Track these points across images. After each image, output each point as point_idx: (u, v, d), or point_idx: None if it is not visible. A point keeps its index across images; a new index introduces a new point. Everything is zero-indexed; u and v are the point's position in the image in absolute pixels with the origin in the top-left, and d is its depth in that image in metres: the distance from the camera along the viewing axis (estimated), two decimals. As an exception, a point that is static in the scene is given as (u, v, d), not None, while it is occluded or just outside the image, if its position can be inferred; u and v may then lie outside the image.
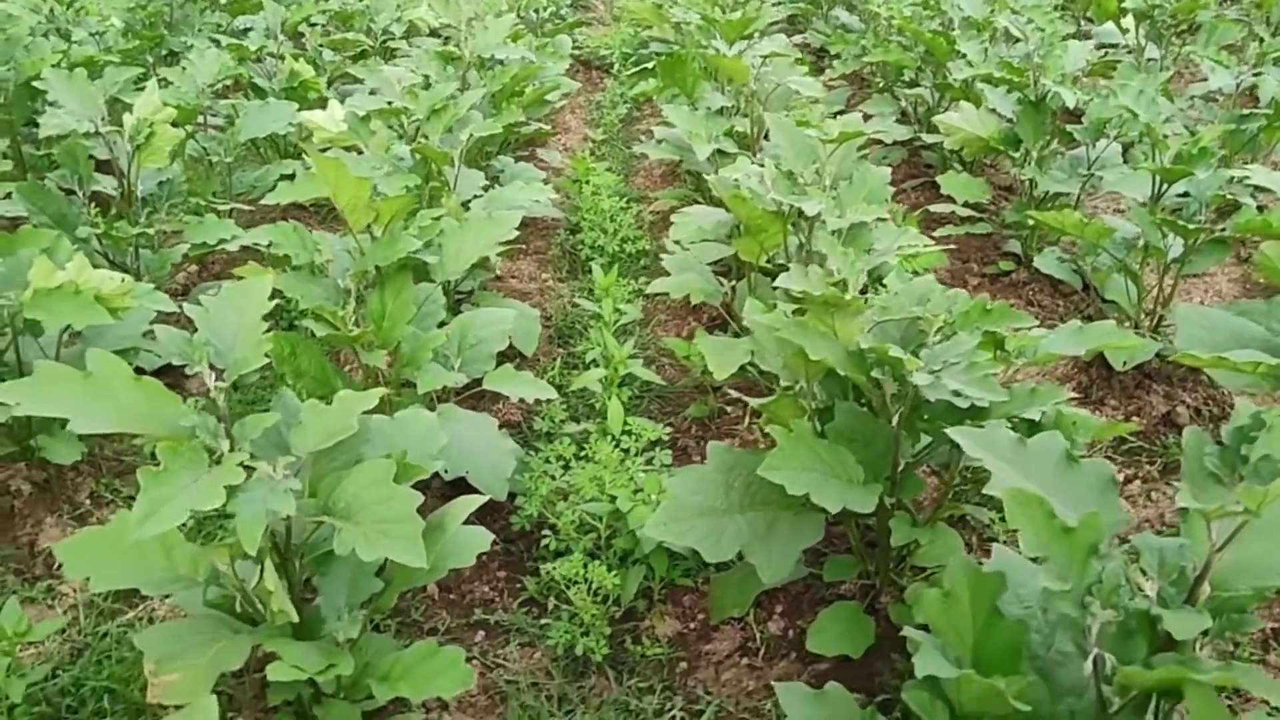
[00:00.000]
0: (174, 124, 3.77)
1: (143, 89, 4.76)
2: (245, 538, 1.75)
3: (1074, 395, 3.42)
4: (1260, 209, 3.41)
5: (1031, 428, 2.26)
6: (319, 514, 1.94)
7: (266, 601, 1.97)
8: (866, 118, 5.35)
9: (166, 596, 2.68)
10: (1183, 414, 3.43)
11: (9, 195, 3.52)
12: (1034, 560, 1.48)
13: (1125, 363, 3.49)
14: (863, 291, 2.47)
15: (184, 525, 1.83)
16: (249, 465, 1.82)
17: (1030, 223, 4.20)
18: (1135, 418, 3.42)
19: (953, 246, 4.41)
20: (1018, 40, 4.56)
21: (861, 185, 3.20)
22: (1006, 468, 1.70)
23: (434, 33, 8.32)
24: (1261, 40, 5.28)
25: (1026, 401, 2.18)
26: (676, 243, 3.66)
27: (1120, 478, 3.16)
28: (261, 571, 1.94)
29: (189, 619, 2.04)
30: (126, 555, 2.03)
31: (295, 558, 2.07)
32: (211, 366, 1.94)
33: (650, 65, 6.20)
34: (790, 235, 3.27)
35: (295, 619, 1.99)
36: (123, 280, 2.85)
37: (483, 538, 2.26)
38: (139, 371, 3.55)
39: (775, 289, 2.53)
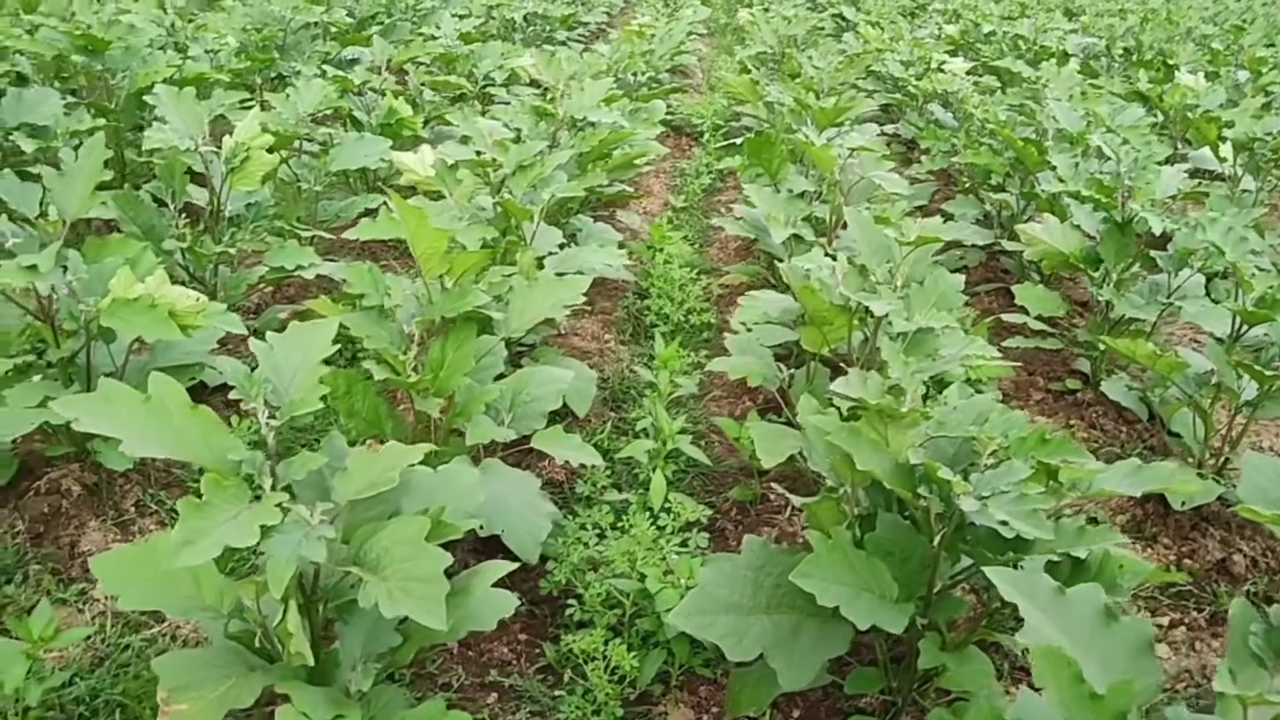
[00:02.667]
0: (270, 150, 3.89)
1: (249, 109, 4.94)
2: (273, 580, 1.76)
3: (1125, 532, 3.33)
4: (1342, 362, 3.31)
5: (1076, 565, 2.21)
6: (349, 563, 1.96)
7: (285, 642, 1.98)
8: (948, 217, 5.34)
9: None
10: (1239, 562, 3.31)
11: (104, 203, 3.66)
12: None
13: (1184, 502, 3.39)
14: (924, 398, 2.44)
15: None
16: (286, 506, 1.85)
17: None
18: (1188, 560, 3.31)
19: (1018, 363, 4.34)
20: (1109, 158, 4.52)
21: (933, 289, 3.18)
22: (1042, 617, 1.65)
23: (534, 82, 8.52)
24: (1363, 186, 5.17)
25: (1074, 539, 2.12)
26: (742, 323, 3.66)
27: (1165, 621, 3.07)
28: (284, 612, 1.96)
29: (207, 649, 2.06)
30: (157, 577, 2.06)
31: (320, 602, 2.09)
32: (267, 403, 1.97)
33: (738, 141, 6.27)
34: (856, 330, 3.26)
35: (311, 663, 2.00)
36: (197, 299, 2.93)
37: (506, 602, 2.25)
38: (201, 387, 3.63)
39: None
